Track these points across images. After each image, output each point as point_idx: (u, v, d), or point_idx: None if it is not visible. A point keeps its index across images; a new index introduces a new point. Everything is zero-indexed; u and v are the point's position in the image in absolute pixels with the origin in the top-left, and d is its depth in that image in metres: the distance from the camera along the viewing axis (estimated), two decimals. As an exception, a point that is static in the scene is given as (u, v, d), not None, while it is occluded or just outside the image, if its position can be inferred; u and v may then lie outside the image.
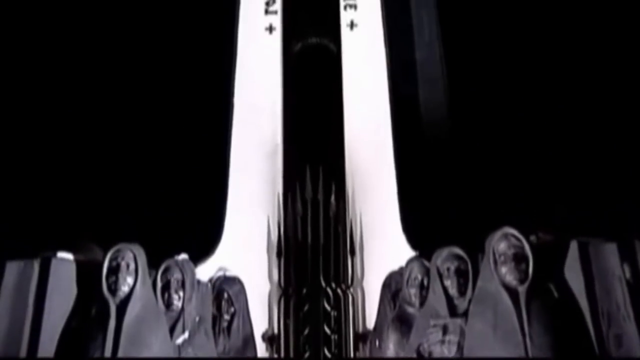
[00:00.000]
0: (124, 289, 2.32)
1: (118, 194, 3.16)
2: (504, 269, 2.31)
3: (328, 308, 2.93)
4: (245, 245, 3.01)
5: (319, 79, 3.51)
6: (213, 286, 2.70)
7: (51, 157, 3.26)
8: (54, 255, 2.40)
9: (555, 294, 2.36)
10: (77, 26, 3.72)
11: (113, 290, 2.31)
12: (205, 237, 3.02)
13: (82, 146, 3.31)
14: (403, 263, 2.75)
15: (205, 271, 2.78)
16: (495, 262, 2.33)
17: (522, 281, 2.29)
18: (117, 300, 2.31)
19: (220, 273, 2.75)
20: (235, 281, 2.75)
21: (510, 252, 2.32)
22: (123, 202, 3.13)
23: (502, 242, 2.34)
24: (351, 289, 2.97)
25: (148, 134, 3.31)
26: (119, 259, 2.36)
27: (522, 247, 2.32)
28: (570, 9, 3.74)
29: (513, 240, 2.33)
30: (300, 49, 3.68)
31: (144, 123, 3.33)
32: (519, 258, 2.30)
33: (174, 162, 3.27)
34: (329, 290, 2.95)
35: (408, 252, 2.94)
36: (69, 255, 2.43)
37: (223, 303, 2.71)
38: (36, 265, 2.36)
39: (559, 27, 3.69)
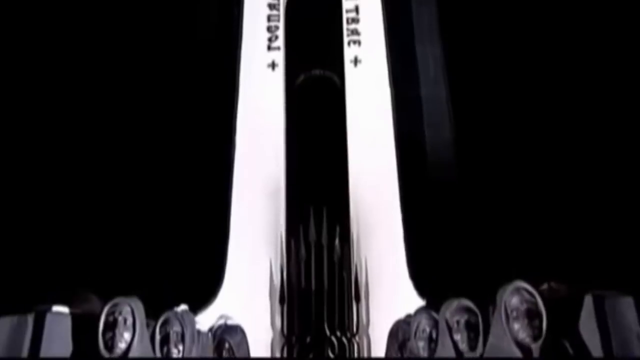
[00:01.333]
0: (121, 345, 2.22)
1: (115, 241, 3.07)
2: (516, 325, 2.22)
3: (333, 357, 2.84)
4: (247, 291, 2.93)
5: (322, 114, 3.44)
6: (214, 335, 2.60)
7: (47, 204, 3.17)
8: (49, 309, 2.30)
9: (570, 351, 2.27)
10: (80, 68, 3.68)
11: (110, 347, 2.22)
12: (206, 283, 2.94)
13: (79, 193, 3.23)
14: (410, 310, 2.66)
15: (206, 319, 2.68)
16: (508, 317, 2.24)
17: (535, 338, 2.20)
18: (114, 357, 2.22)
19: (222, 321, 2.66)
20: (236, 330, 2.65)
21: (523, 307, 2.23)
22: (121, 250, 3.04)
23: (515, 297, 2.25)
24: (356, 337, 2.88)
25: (148, 177, 3.23)
26: (116, 314, 2.26)
27: (535, 303, 2.23)
28: (580, 46, 3.70)
29: (526, 295, 2.24)
30: (303, 80, 3.63)
31: (144, 166, 3.25)
32: (532, 314, 2.21)
33: (174, 205, 3.19)
34: (333, 338, 2.86)
35: (415, 299, 2.85)
36: (64, 309, 2.34)
37: (224, 353, 2.61)
38: (30, 320, 2.27)
39: (565, 68, 3.63)
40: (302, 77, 3.69)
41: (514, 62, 3.65)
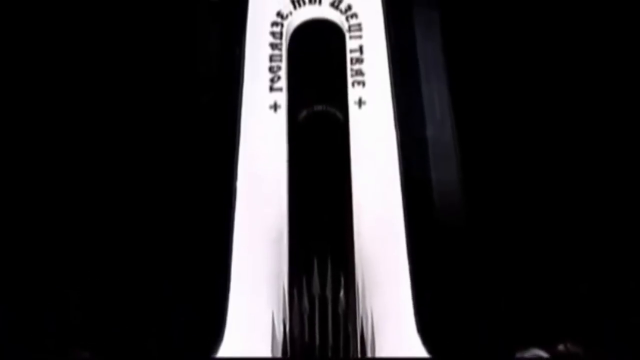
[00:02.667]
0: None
1: (110, 292, 2.97)
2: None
3: (338, 416, 2.72)
4: (248, 346, 2.81)
5: (325, 155, 3.34)
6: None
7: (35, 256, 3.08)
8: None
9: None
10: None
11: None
12: (205, 337, 2.83)
13: (67, 245, 3.13)
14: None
15: (205, 377, 2.58)
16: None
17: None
18: None
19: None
20: (237, 390, 2.55)
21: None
22: (115, 301, 2.94)
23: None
24: (362, 395, 2.77)
25: (145, 223, 3.14)
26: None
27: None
28: (591, 79, 3.62)
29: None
30: (305, 117, 3.54)
31: (140, 212, 3.16)
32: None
33: (172, 254, 3.09)
34: (338, 396, 2.75)
35: (423, 355, 2.74)
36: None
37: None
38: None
39: (575, 109, 3.55)
40: (304, 113, 3.60)
41: (523, 101, 3.57)
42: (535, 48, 3.70)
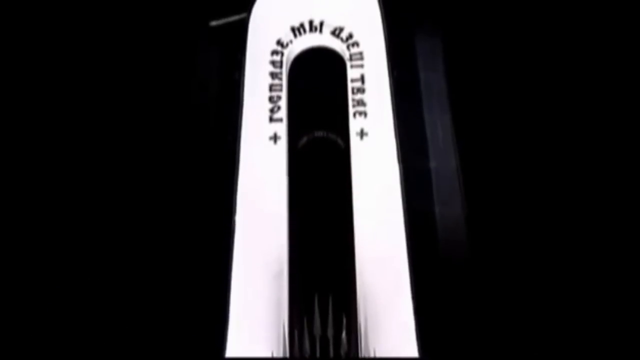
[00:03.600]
0: None
1: (106, 328, 2.89)
2: None
3: None
4: (247, 390, 2.73)
5: (327, 186, 3.26)
6: None
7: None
8: None
9: None
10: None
11: None
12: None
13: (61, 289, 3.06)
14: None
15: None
16: None
17: None
18: None
19: None
20: None
21: None
22: (111, 337, 2.85)
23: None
24: None
25: (142, 257, 3.05)
26: None
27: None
28: (596, 107, 3.56)
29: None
30: (306, 143, 3.47)
31: (136, 245, 3.07)
32: None
33: (169, 291, 3.00)
34: None
35: (428, 398, 2.66)
36: None
37: None
38: None
39: (584, 141, 3.48)
40: (304, 140, 3.53)
41: (528, 131, 3.50)
42: (540, 77, 3.64)
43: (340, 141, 3.46)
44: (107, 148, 3.58)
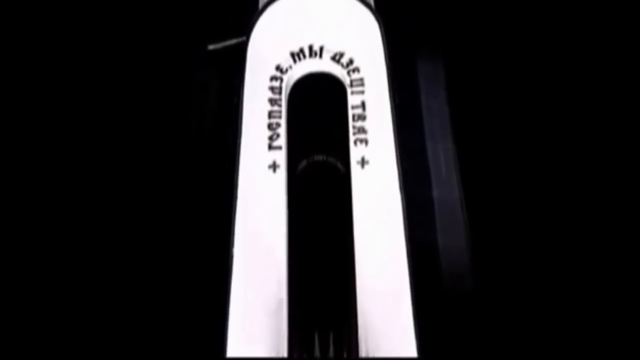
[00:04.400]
0: None
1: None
2: None
3: None
4: None
5: (327, 216, 3.19)
6: None
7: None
8: None
9: None
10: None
11: None
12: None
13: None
14: None
15: None
16: None
17: None
18: None
19: None
20: None
21: None
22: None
23: None
24: None
25: (137, 291, 2.97)
26: None
27: None
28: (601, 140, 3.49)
29: None
30: (305, 167, 3.40)
31: (130, 282, 2.99)
32: None
33: (164, 324, 2.92)
34: None
35: None
36: None
37: None
38: None
39: (589, 167, 3.41)
40: (304, 164, 3.46)
41: (534, 159, 3.43)
42: (546, 104, 3.57)
43: (340, 165, 3.39)
44: (102, 174, 3.50)
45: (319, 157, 3.45)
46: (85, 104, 3.71)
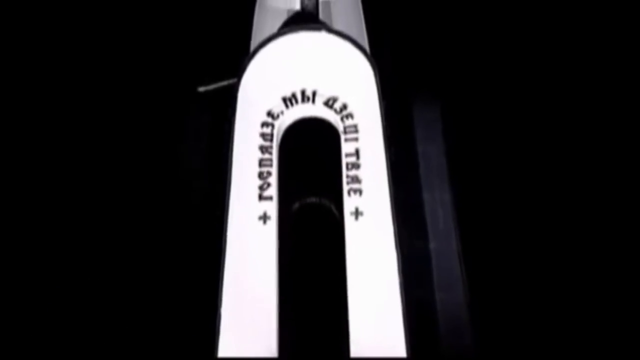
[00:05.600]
0: None
1: None
2: None
3: None
4: None
5: (320, 270, 3.06)
6: None
7: None
8: None
9: None
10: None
11: None
12: None
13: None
14: None
15: None
16: None
17: None
18: None
19: None
20: None
21: None
22: None
23: None
24: None
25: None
26: None
27: None
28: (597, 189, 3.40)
29: None
30: (299, 209, 3.27)
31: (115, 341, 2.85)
32: None
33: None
34: None
35: None
36: None
37: None
38: None
39: (587, 212, 3.31)
40: (296, 205, 3.33)
41: (535, 209, 3.32)
42: (547, 155, 3.47)
43: (334, 208, 3.27)
44: (88, 222, 3.37)
45: (312, 199, 3.34)
46: (71, 150, 3.60)
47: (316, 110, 3.44)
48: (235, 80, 3.62)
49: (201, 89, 3.80)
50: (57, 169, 3.53)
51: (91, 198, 3.39)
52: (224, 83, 3.78)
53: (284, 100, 3.47)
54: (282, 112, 3.42)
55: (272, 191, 3.19)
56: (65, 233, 3.33)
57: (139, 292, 3.05)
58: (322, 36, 3.52)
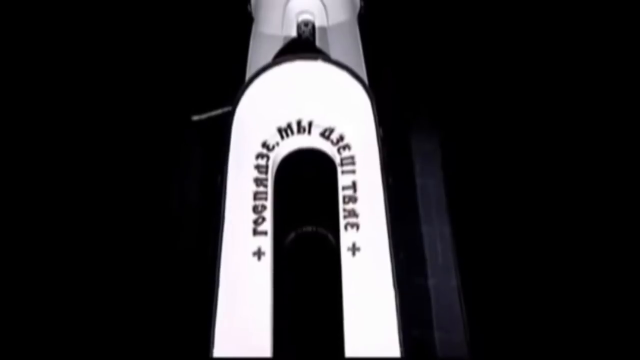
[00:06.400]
0: None
1: None
2: None
3: None
4: None
5: (316, 309, 2.97)
6: None
7: None
8: None
9: None
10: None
11: None
12: None
13: None
14: None
15: None
16: None
17: None
18: None
19: None
20: None
21: None
22: None
23: None
24: None
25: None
26: None
27: None
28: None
29: None
30: (294, 239, 3.18)
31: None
32: None
33: None
34: None
35: None
36: None
37: None
38: None
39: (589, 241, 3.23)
40: (292, 236, 3.25)
41: (536, 245, 3.24)
42: (549, 183, 3.39)
43: (330, 237, 3.18)
44: (79, 256, 3.28)
45: (308, 228, 3.25)
46: (61, 179, 3.52)
47: (312, 141, 3.36)
48: (229, 108, 3.55)
49: (195, 117, 3.73)
50: (47, 197, 3.44)
51: (81, 230, 3.30)
52: (218, 111, 3.70)
53: (280, 131, 3.39)
54: (277, 144, 3.34)
55: (267, 226, 3.10)
56: (53, 264, 3.24)
57: (128, 330, 2.95)
58: (318, 65, 3.44)
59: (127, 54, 4.01)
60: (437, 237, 3.19)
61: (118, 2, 3.92)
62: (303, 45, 3.89)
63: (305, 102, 3.42)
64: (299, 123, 3.39)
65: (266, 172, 3.25)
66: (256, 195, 3.18)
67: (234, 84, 3.52)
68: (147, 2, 3.87)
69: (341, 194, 3.21)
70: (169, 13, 3.95)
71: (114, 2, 3.89)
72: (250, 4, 4.26)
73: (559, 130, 3.50)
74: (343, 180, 3.25)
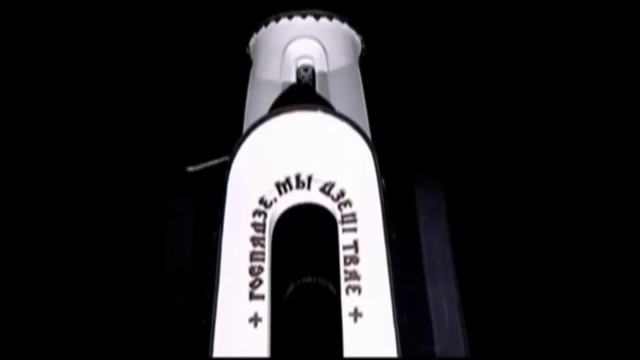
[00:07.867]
0: None
1: None
2: None
3: None
4: None
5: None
6: None
7: None
8: None
9: None
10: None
11: None
12: None
13: None
14: None
15: None
16: None
17: None
18: None
19: None
20: None
21: None
22: None
23: None
24: None
25: None
26: None
27: None
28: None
29: None
30: (293, 291, 3.02)
31: None
32: None
33: None
34: None
35: None
36: None
37: None
38: None
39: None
40: (291, 288, 3.09)
41: (543, 303, 3.09)
42: (556, 239, 3.25)
43: (331, 287, 3.02)
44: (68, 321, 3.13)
45: (308, 279, 3.09)
46: (54, 232, 3.39)
47: (312, 196, 3.21)
48: (226, 158, 3.41)
49: (190, 168, 3.60)
50: (43, 245, 3.33)
51: (74, 290, 3.16)
52: (215, 161, 3.57)
53: (278, 185, 3.24)
54: (275, 200, 3.19)
55: (264, 289, 2.94)
56: (45, 320, 3.11)
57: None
58: (318, 116, 3.30)
59: (121, 99, 3.89)
60: (444, 299, 3.03)
61: (113, 48, 3.81)
62: (302, 92, 3.75)
63: (304, 155, 3.27)
64: (297, 177, 3.24)
65: (263, 231, 3.09)
66: (253, 256, 3.01)
67: (231, 132, 3.38)
68: (140, 47, 3.76)
69: (342, 254, 3.05)
70: (164, 58, 3.84)
71: (109, 49, 3.77)
72: (249, 47, 4.14)
73: (565, 184, 3.37)
74: (344, 239, 3.08)
